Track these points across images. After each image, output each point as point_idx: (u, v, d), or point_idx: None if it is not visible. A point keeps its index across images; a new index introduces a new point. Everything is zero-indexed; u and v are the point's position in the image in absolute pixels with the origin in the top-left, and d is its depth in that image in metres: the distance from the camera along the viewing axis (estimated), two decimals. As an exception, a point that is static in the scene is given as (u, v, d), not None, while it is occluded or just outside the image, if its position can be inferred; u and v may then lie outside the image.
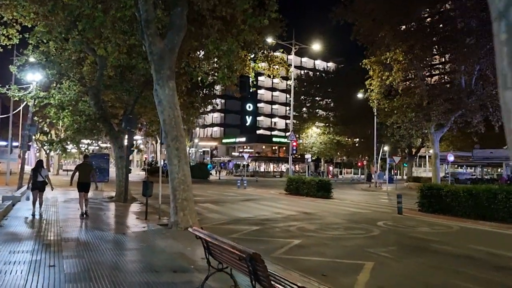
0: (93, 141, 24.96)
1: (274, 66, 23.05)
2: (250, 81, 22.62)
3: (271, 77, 23.63)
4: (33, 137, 29.21)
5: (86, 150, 29.59)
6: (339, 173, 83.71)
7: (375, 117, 46.44)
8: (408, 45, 25.26)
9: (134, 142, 22.21)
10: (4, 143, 48.24)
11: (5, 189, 24.33)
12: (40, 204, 13.77)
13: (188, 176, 10.92)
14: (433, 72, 32.44)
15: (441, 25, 28.13)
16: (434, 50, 27.50)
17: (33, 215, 13.19)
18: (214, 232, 11.52)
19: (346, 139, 60.12)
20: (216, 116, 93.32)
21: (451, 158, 28.69)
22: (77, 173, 13.88)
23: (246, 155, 42.00)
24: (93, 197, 20.88)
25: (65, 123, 20.55)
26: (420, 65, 26.46)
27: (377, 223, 13.90)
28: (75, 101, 20.57)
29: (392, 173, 58.24)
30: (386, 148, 60.45)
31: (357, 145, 60.68)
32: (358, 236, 11.23)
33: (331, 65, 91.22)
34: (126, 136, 20.21)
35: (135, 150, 21.80)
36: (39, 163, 14.37)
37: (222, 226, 12.75)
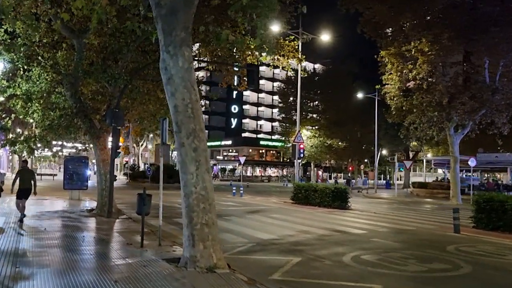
0: (70, 141, 21.09)
1: (284, 55, 19.91)
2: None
3: (280, 68, 20.43)
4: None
5: (60, 152, 25.71)
6: (329, 178, 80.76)
7: (376, 118, 43.66)
8: (434, 34, 22.20)
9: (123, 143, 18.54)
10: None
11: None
12: None
13: (211, 190, 7.44)
14: (454, 67, 29.45)
15: (460, 13, 25.17)
16: (457, 41, 24.48)
17: None
18: (243, 268, 8.04)
19: (338, 142, 57.32)
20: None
21: (473, 163, 25.85)
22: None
23: (242, 159, 38.48)
24: (69, 210, 17.15)
25: (34, 119, 16.75)
26: (447, 58, 23.45)
27: (447, 248, 10.63)
28: (47, 93, 16.83)
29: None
30: (384, 151, 57.87)
31: (344, 149, 57.68)
32: (451, 275, 7.89)
33: (318, 66, 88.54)
34: (110, 136, 16.70)
35: (121, 152, 18.09)
36: None
37: (247, 256, 9.27)
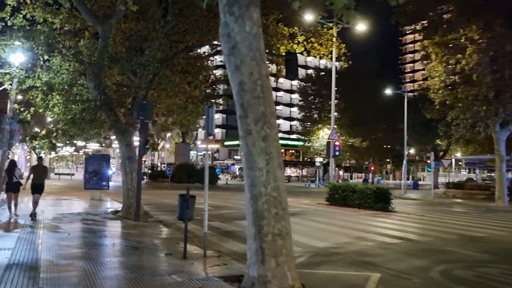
0: (94, 139, 19.58)
1: (322, 44, 18.37)
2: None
3: (318, 57, 18.82)
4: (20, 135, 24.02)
5: (81, 151, 24.10)
6: (350, 178, 78.66)
7: (405, 115, 41.69)
8: (485, 21, 20.28)
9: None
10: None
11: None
12: (15, 206, 13.34)
13: (284, 191, 5.87)
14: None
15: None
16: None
17: (11, 217, 12.88)
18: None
19: (360, 141, 55.35)
20: (217, 117, 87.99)
21: (522, 161, 23.87)
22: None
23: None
24: (92, 212, 15.75)
25: (55, 112, 15.33)
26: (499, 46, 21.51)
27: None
28: (69, 85, 15.45)
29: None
30: (412, 151, 55.75)
31: (366, 148, 55.45)
32: None
33: (336, 64, 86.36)
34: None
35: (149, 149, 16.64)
36: (12, 164, 13.81)
37: (313, 270, 7.65)
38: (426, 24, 25.35)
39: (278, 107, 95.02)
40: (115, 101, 15.54)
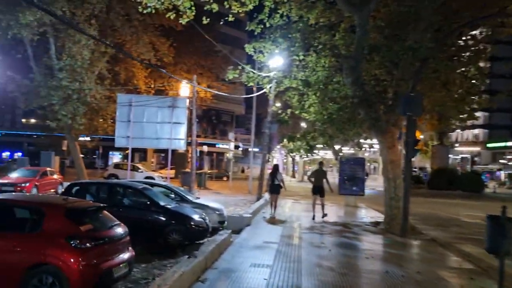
0: (353, 139, 18.12)
1: None
2: None
3: None
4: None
5: (339, 155, 23.36)
6: None
7: None
8: None
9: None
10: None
11: (245, 198, 20.14)
12: (275, 207, 14.11)
13: None
14: None
15: None
16: None
17: (271, 216, 13.72)
18: None
19: None
20: (478, 115, 77.77)
21: None
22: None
23: None
24: (350, 221, 14.19)
25: (311, 113, 14.44)
26: None
27: None
28: (324, 84, 14.34)
29: None
30: None
31: None
32: None
33: None
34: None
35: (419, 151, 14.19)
36: (275, 168, 14.65)
37: None
38: None
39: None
40: (374, 97, 13.67)
